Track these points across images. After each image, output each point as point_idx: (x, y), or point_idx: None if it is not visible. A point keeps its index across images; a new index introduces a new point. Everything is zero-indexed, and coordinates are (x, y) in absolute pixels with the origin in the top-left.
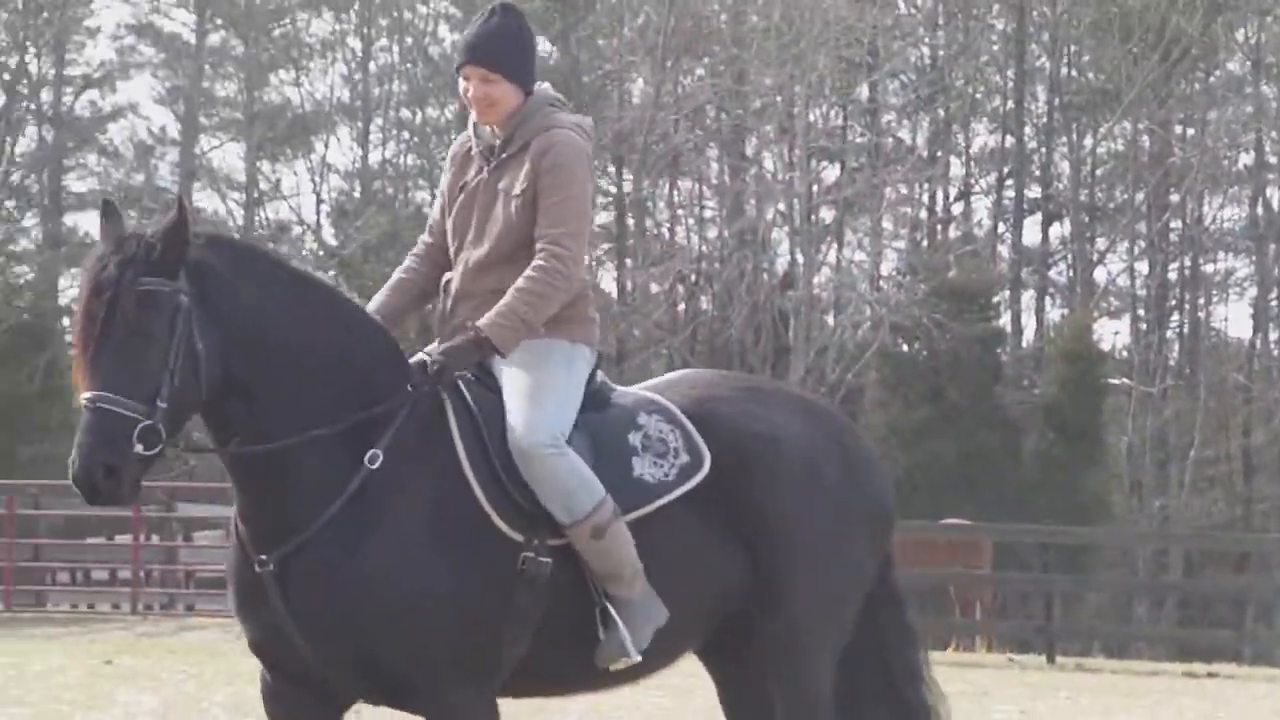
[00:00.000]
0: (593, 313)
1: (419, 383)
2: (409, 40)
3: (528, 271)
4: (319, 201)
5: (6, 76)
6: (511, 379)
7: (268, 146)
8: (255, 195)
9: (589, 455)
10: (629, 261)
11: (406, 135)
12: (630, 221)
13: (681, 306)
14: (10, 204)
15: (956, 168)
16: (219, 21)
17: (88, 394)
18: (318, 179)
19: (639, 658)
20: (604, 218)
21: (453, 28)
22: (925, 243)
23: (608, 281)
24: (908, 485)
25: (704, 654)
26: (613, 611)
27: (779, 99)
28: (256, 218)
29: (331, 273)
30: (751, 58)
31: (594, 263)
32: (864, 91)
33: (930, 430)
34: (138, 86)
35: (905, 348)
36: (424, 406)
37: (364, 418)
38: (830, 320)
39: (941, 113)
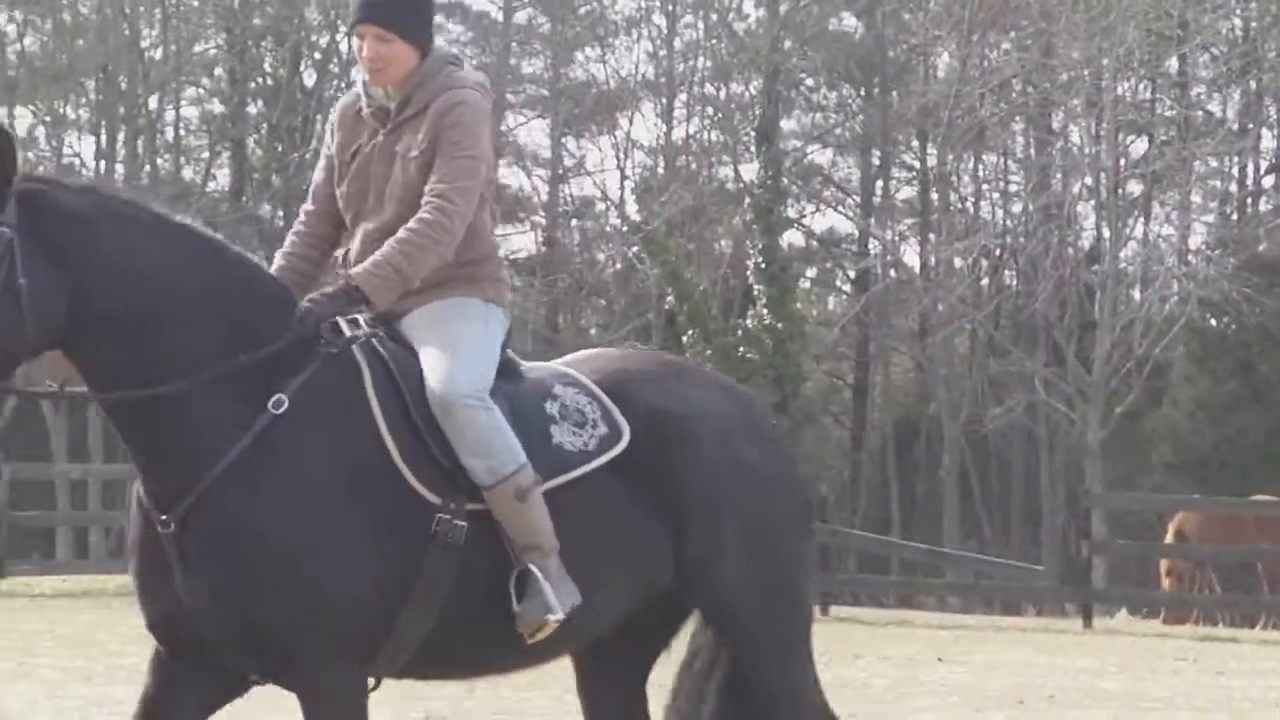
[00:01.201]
0: (503, 274)
1: (298, 331)
2: (714, 16)
3: (410, 223)
4: (623, 177)
5: (318, 55)
6: (425, 334)
7: (573, 123)
8: (560, 171)
9: (508, 420)
10: (933, 236)
11: (710, 111)
12: (934, 196)
13: (985, 281)
14: None
15: (1268, 140)
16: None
17: None
18: (622, 155)
19: (562, 615)
20: (907, 192)
21: (757, 3)
22: (1235, 216)
23: (910, 256)
24: (1215, 461)
25: (589, 651)
26: (535, 570)
27: (1086, 72)
28: (561, 194)
29: (634, 249)
30: (1059, 30)
31: (899, 238)
32: (1173, 64)
33: (1239, 405)
34: None
35: (1213, 322)
36: (336, 361)
37: (258, 359)
38: (1137, 295)
39: (1253, 85)
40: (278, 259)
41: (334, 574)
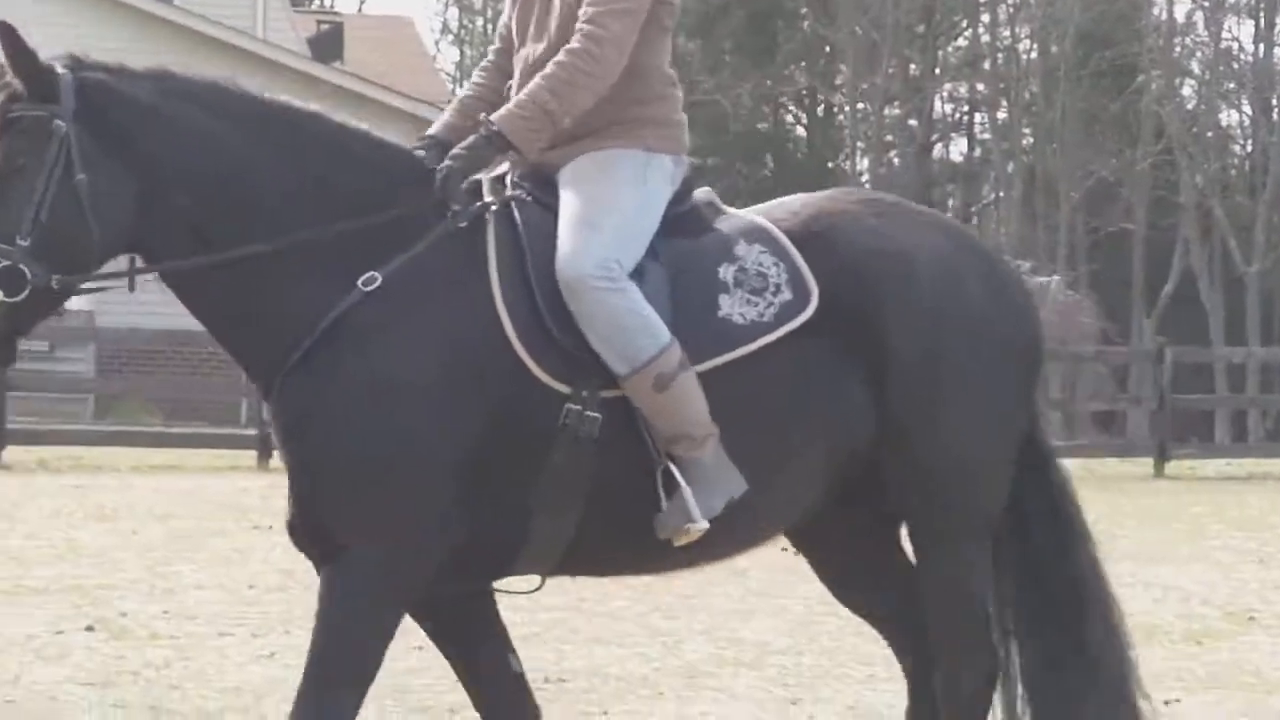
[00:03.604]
0: (679, 115)
1: (435, 196)
2: None
3: (558, 55)
4: None
5: None
6: (571, 196)
7: None
8: None
9: (664, 290)
10: None
11: None
12: None
13: None
14: None
15: None
16: None
17: None
18: None
19: (705, 524)
20: None
21: None
22: None
23: None
24: None
25: (801, 531)
26: (676, 474)
27: None
28: None
29: None
30: None
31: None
32: None
33: None
34: None
35: None
36: (458, 232)
37: (357, 227)
38: None
39: None
40: (461, 93)
41: (408, 473)
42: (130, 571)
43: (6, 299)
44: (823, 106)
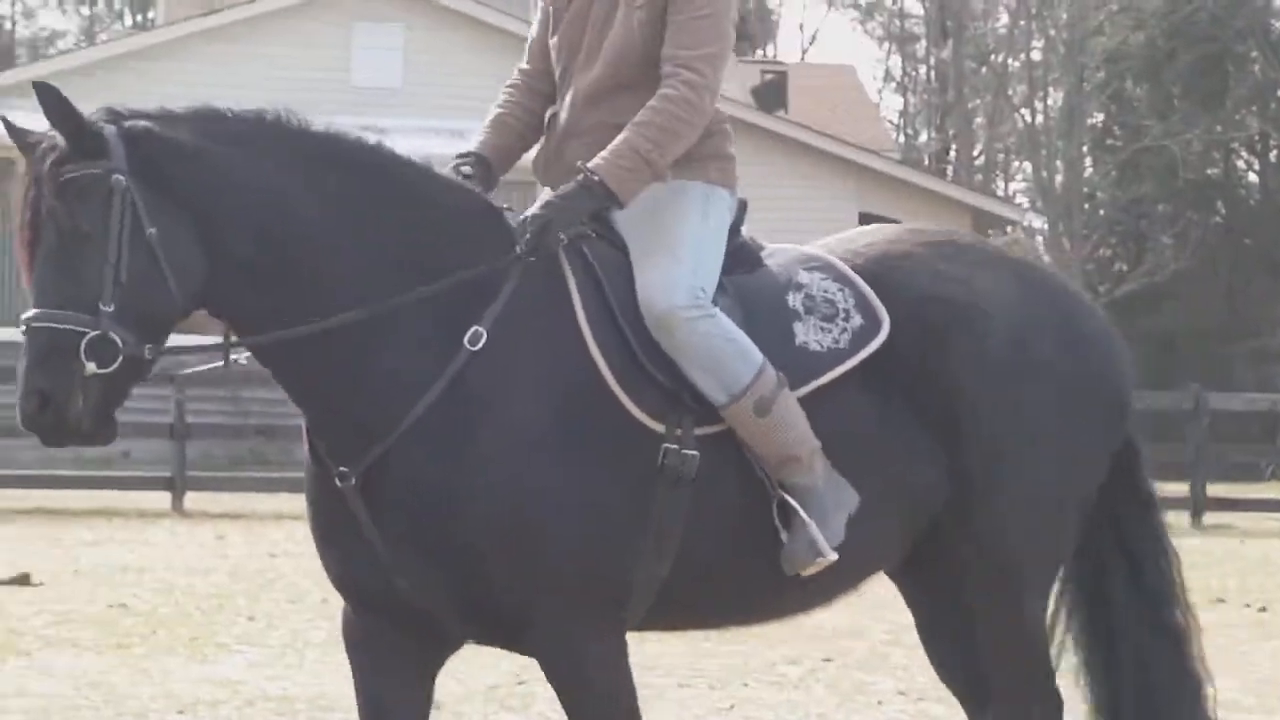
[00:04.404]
0: (731, 150)
1: (526, 246)
2: None
3: (652, 101)
4: None
5: None
6: (637, 230)
7: None
8: None
9: (738, 320)
10: None
11: None
12: None
13: None
14: None
15: None
16: None
17: (24, 315)
18: None
19: (835, 556)
20: None
21: None
22: None
23: None
24: None
25: (895, 572)
26: (793, 503)
27: None
28: None
29: None
30: None
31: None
32: None
33: None
34: None
35: None
36: (535, 273)
37: (448, 285)
38: None
39: None
40: (490, 110)
41: (560, 521)
42: None
43: (100, 370)
44: (1276, 152)
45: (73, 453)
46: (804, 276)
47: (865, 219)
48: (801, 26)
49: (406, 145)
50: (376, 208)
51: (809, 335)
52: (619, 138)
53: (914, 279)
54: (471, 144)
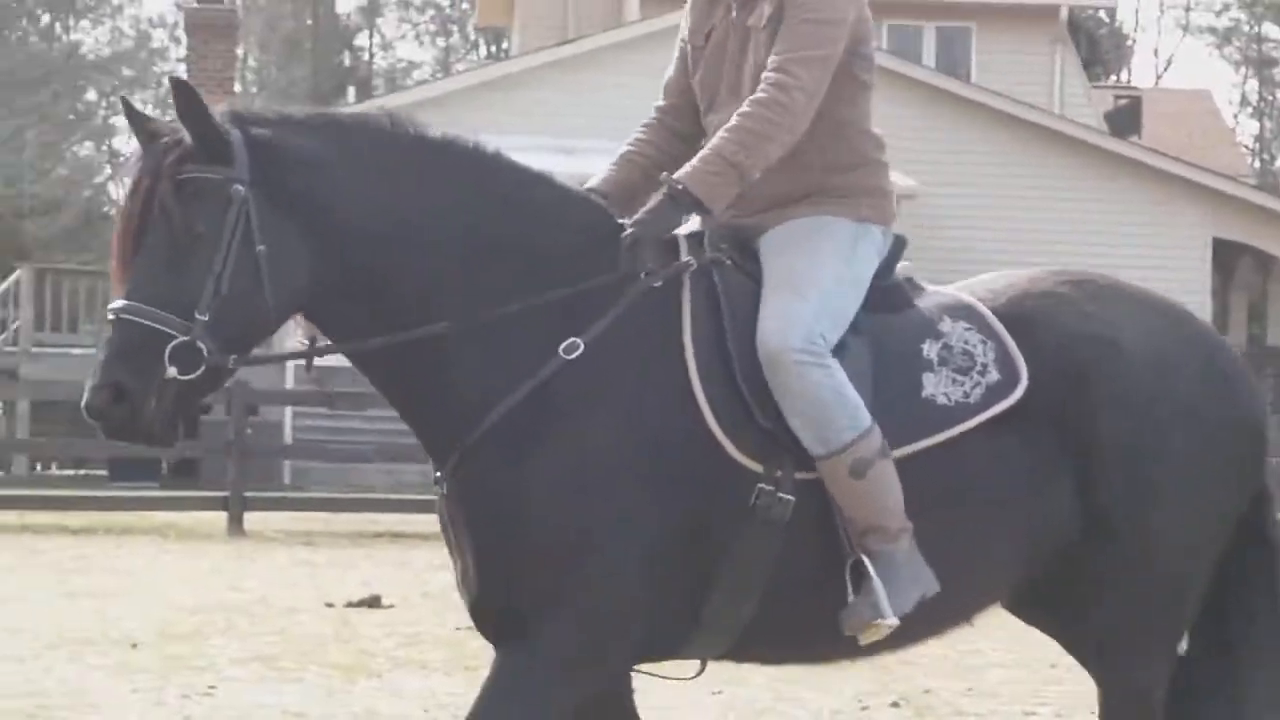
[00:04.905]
0: (888, 185)
1: (627, 265)
2: None
3: (743, 107)
4: None
5: None
6: (776, 262)
7: None
8: None
9: (867, 366)
10: None
11: None
12: None
13: None
14: None
15: None
16: None
17: (113, 304)
18: None
19: (896, 621)
20: None
21: None
22: None
23: None
24: None
25: (1025, 607)
26: (869, 565)
27: None
28: None
29: None
30: None
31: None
32: None
33: None
34: None
35: None
36: (658, 294)
37: (549, 301)
38: None
39: None
40: (620, 148)
41: (619, 546)
42: (931, 648)
43: (181, 377)
44: None
45: (421, 476)
46: (946, 325)
47: (1219, 245)
48: (1156, 51)
49: None
50: (487, 217)
51: (938, 388)
52: (707, 145)
53: (1056, 319)
54: (594, 180)
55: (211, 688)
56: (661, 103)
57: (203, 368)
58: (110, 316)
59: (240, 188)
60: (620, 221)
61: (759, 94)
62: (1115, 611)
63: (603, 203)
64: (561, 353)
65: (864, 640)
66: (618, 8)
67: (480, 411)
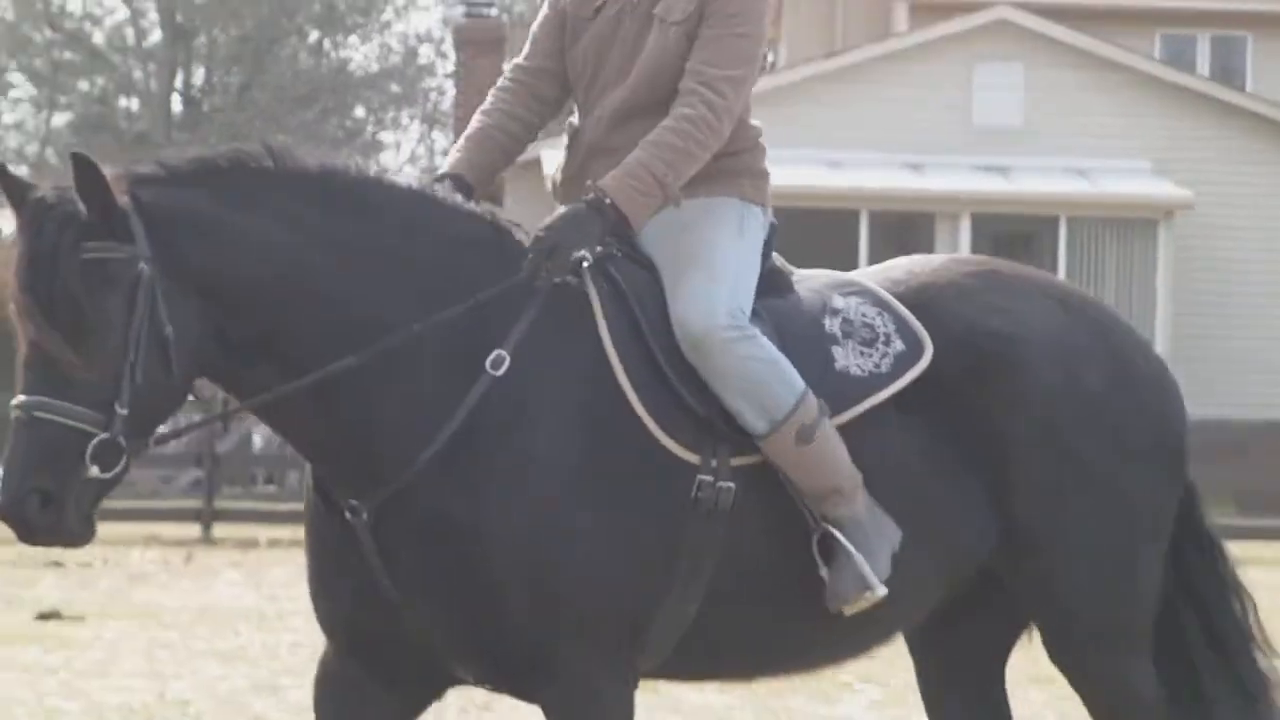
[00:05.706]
0: (765, 166)
1: (529, 269)
2: None
3: (668, 121)
4: None
5: None
6: (667, 248)
7: None
8: None
9: (776, 345)
10: None
11: None
12: None
13: None
14: None
15: None
16: None
17: (19, 399)
18: None
19: (884, 591)
20: None
21: None
22: None
23: None
24: None
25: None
26: (840, 537)
27: None
28: None
29: None
30: None
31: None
32: None
33: None
34: None
35: None
36: (560, 294)
37: (457, 313)
38: None
39: None
40: (475, 118)
41: (586, 561)
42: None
43: (103, 475)
44: None
45: None
46: (839, 301)
47: None
48: None
49: (1029, 184)
50: (382, 244)
51: (849, 360)
52: (632, 156)
53: (958, 310)
54: (448, 162)
55: None
56: (524, 62)
57: (123, 463)
58: (18, 413)
59: (145, 267)
60: (505, 227)
61: (689, 110)
62: (1050, 622)
63: (493, 213)
64: (489, 368)
65: (851, 612)
66: (885, 19)
67: (412, 444)
